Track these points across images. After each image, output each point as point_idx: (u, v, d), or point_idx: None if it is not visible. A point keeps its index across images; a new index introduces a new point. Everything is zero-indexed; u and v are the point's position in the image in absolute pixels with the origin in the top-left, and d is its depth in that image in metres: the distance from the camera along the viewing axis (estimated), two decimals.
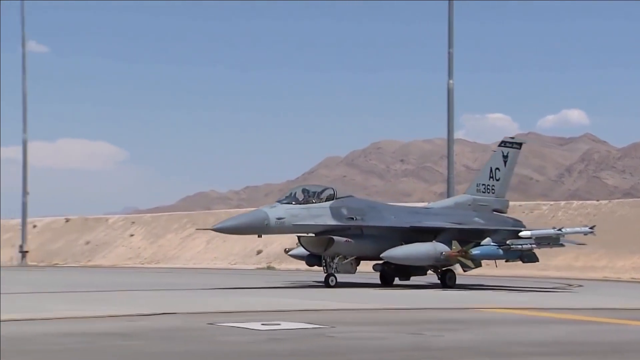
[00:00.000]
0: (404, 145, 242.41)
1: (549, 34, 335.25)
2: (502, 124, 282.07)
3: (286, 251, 31.15)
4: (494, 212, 32.55)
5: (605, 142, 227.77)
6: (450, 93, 46.02)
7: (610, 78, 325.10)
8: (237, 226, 26.50)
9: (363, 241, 27.47)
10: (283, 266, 49.59)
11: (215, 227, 26.86)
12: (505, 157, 33.25)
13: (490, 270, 37.37)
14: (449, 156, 47.13)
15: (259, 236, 27.48)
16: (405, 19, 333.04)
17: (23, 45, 63.63)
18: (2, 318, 14.37)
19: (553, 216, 50.47)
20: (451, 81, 46.05)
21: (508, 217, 33.00)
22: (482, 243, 27.83)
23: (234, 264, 56.47)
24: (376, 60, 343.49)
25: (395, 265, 28.06)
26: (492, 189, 32.71)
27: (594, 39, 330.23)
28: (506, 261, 29.70)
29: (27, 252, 62.64)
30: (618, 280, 39.08)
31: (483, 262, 28.99)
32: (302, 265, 30.82)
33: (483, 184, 32.70)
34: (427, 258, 27.50)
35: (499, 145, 33.76)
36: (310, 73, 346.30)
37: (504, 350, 11.46)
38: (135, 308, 17.30)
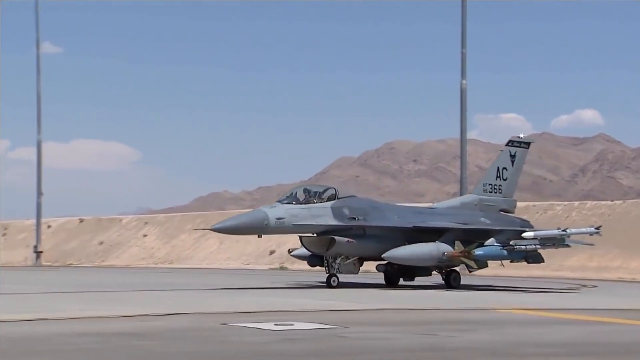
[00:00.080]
0: (417, 145, 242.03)
1: (563, 33, 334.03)
2: (515, 124, 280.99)
3: (290, 251, 30.96)
4: (501, 212, 32.29)
5: (619, 142, 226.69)
6: (463, 93, 45.93)
7: (625, 78, 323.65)
8: (236, 226, 26.34)
9: (365, 241, 27.28)
10: (296, 266, 49.56)
11: (214, 227, 26.63)
12: (512, 156, 32.93)
13: (503, 270, 37.23)
14: (462, 156, 47.03)
15: (258, 236, 27.30)
16: (418, 19, 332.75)
17: (37, 47, 64.09)
18: (16, 318, 14.43)
19: (567, 216, 50.25)
20: (464, 81, 45.96)
21: (515, 217, 32.73)
22: (485, 243, 27.61)
23: (247, 264, 56.55)
24: (389, 61, 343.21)
25: (399, 265, 27.92)
26: (499, 189, 32.42)
27: (608, 38, 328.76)
28: (511, 262, 29.48)
29: (41, 252, 62.97)
30: (632, 281, 38.87)
31: (490, 262, 28.84)
32: None
33: (490, 184, 32.42)
34: (430, 258, 27.32)
35: (507, 145, 33.38)
36: (324, 74, 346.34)
37: (518, 351, 11.41)
38: (148, 308, 17.34)
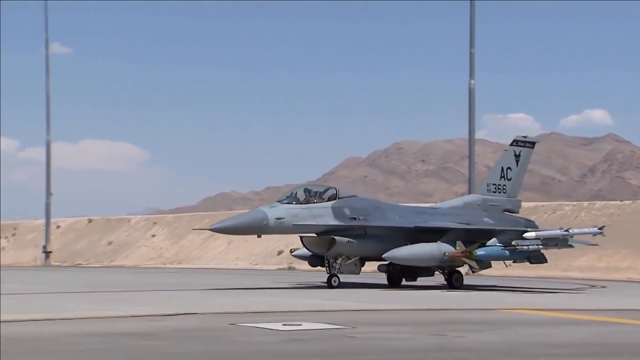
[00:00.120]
0: (425, 145, 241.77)
1: (572, 33, 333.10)
2: (524, 124, 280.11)
3: (291, 251, 30.80)
4: (506, 213, 32.09)
5: (628, 142, 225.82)
6: (471, 93, 45.84)
7: (634, 78, 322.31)
8: (235, 226, 26.18)
9: (366, 241, 27.12)
10: (304, 267, 49.54)
11: (212, 227, 26.50)
12: (517, 156, 32.67)
13: (511, 271, 37.11)
14: (471, 156, 46.93)
15: (258, 236, 27.16)
16: (426, 19, 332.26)
17: (46, 47, 64.22)
18: (24, 318, 14.46)
19: (576, 217, 50.08)
20: (472, 81, 45.87)
21: (520, 218, 32.53)
22: (487, 244, 27.39)
23: (255, 265, 56.57)
24: (397, 61, 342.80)
25: (401, 265, 27.76)
26: (504, 189, 32.21)
27: (617, 39, 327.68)
28: (514, 262, 29.33)
29: (50, 252, 63.17)
30: None
31: (495, 263, 28.69)
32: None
33: (494, 184, 32.21)
34: (431, 258, 27.14)
35: (511, 145, 33.09)
36: (332, 74, 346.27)
37: (527, 352, 11.37)
38: (157, 308, 17.36)
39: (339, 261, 26.87)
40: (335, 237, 26.66)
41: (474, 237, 27.88)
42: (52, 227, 66.29)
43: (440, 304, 20.40)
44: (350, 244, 26.78)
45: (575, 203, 56.09)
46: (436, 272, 28.69)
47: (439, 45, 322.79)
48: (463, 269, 29.07)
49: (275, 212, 26.10)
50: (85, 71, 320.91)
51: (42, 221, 65.94)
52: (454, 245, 27.20)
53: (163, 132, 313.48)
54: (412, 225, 28.13)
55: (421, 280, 29.08)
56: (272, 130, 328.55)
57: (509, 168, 32.58)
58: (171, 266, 60.59)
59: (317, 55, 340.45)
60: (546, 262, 29.02)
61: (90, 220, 77.49)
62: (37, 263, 64.73)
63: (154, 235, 69.61)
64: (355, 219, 27.27)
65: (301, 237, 27.70)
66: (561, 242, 27.81)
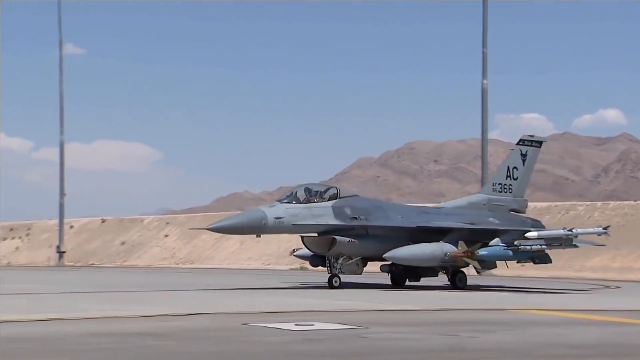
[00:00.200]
0: (437, 145, 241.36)
1: (585, 33, 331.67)
2: (537, 124, 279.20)
3: (293, 251, 30.55)
4: (512, 212, 31.79)
5: None
6: (484, 93, 45.76)
7: None
8: (233, 226, 25.93)
9: (367, 241, 26.90)
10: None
11: (211, 226, 26.24)
12: (523, 155, 32.29)
13: (523, 271, 37.00)
14: (483, 156, 46.84)
15: (257, 236, 26.99)
16: (438, 19, 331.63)
17: (60, 48, 64.57)
18: (36, 318, 14.51)
19: (589, 217, 49.87)
20: (485, 81, 45.78)
21: (527, 218, 32.20)
22: (490, 244, 27.12)
23: (268, 265, 56.62)
24: (410, 61, 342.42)
25: (404, 266, 27.55)
26: (510, 189, 31.88)
27: (630, 38, 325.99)
28: (517, 262, 29.06)
29: (64, 252, 63.42)
30: None
31: (500, 263, 28.45)
32: None
33: (499, 183, 31.88)
34: (433, 258, 26.88)
35: (517, 144, 32.73)
36: (344, 74, 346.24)
37: (540, 353, 11.31)
38: (169, 308, 17.38)
39: (340, 261, 26.64)
40: (336, 237, 26.44)
41: (478, 237, 27.59)
42: (66, 227, 66.56)
43: (452, 304, 20.33)
44: (351, 243, 26.55)
45: (588, 203, 55.85)
46: (440, 273, 28.44)
47: (452, 45, 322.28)
48: (468, 270, 28.75)
49: (275, 211, 25.86)
50: (99, 72, 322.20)
51: (56, 221, 66.23)
52: (456, 245, 26.94)
53: (176, 132, 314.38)
54: (414, 225, 27.87)
55: (425, 281, 28.88)
56: (284, 131, 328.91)
57: (515, 167, 32.21)
58: (184, 266, 60.73)
59: (329, 55, 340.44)
60: (550, 262, 28.66)
61: (103, 221, 77.79)
62: (51, 263, 65.02)
63: (166, 235, 69.80)
64: (356, 218, 27.05)
65: (302, 237, 27.51)
66: (565, 242, 27.55)
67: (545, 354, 11.24)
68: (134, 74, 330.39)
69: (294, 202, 26.40)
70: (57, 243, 64.04)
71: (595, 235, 28.80)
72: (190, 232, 68.34)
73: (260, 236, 27.27)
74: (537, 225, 31.03)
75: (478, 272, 29.34)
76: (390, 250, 26.56)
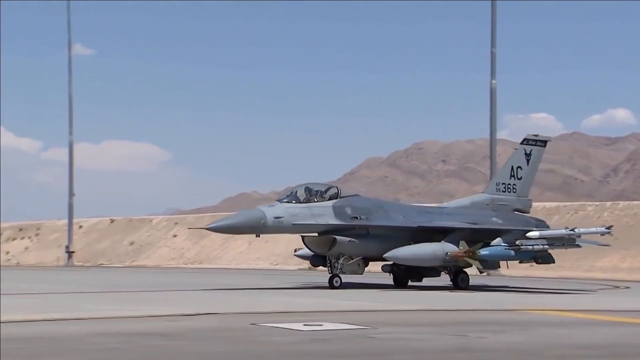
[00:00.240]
0: (446, 145, 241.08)
1: (594, 33, 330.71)
2: (546, 124, 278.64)
3: (295, 251, 30.38)
4: (516, 212, 31.55)
5: None
6: (493, 93, 45.65)
7: None
8: (232, 225, 25.72)
9: (368, 241, 26.71)
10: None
11: (209, 226, 26.07)
12: (528, 155, 32.02)
13: (533, 271, 36.88)
14: (492, 156, 46.74)
15: (256, 235, 26.83)
16: (447, 19, 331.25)
17: (69, 49, 64.73)
18: (43, 318, 14.53)
19: (599, 217, 49.69)
20: (494, 81, 45.67)
21: (531, 218, 31.90)
22: (492, 243, 26.88)
23: (276, 265, 56.62)
24: (418, 61, 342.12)
25: (406, 266, 27.39)
26: (514, 188, 31.62)
27: (639, 39, 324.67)
28: (520, 262, 28.87)
29: (73, 252, 63.60)
30: None
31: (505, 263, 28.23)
32: None
33: (503, 183, 31.61)
34: (433, 258, 26.66)
35: (521, 143, 32.47)
36: (352, 74, 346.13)
37: (550, 353, 11.27)
38: (177, 308, 17.39)
39: (341, 261, 26.47)
40: (337, 237, 26.25)
41: (480, 237, 27.35)
42: (75, 227, 66.72)
43: (460, 305, 20.27)
44: (351, 243, 26.37)
45: (598, 203, 55.68)
46: (443, 273, 28.20)
47: (461, 45, 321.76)
48: (474, 270, 28.53)
49: (274, 211, 25.65)
50: (108, 72, 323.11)
51: (65, 221, 66.43)
52: (458, 245, 26.72)
53: (184, 132, 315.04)
54: (415, 225, 27.66)
55: (427, 281, 28.73)
56: (293, 131, 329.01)
57: (519, 167, 31.94)
58: (192, 266, 60.80)
59: (338, 56, 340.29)
60: (554, 262, 28.42)
61: (112, 221, 77.97)
62: (60, 263, 65.20)
63: (175, 236, 69.90)
64: (357, 218, 26.86)
65: (303, 237, 27.36)
66: (567, 242, 27.29)
67: (555, 354, 11.20)
68: (142, 74, 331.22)
69: (293, 201, 26.19)
70: (66, 243, 64.22)
71: (599, 235, 28.56)
72: (199, 232, 68.41)
73: (259, 236, 27.09)
74: (542, 225, 30.73)
75: (481, 272, 29.12)
76: (391, 250, 26.40)
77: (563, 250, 29.15)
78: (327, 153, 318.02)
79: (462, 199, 33.63)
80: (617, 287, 31.85)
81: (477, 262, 26.87)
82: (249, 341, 12.05)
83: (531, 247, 26.82)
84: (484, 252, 26.63)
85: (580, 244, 28.08)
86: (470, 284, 28.05)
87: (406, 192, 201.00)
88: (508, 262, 28.47)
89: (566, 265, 43.48)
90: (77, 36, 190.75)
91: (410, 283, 28.47)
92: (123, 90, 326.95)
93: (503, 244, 26.87)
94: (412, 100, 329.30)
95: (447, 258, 26.63)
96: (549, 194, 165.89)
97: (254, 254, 60.89)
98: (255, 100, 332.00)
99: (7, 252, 76.06)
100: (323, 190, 27.14)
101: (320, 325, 13.83)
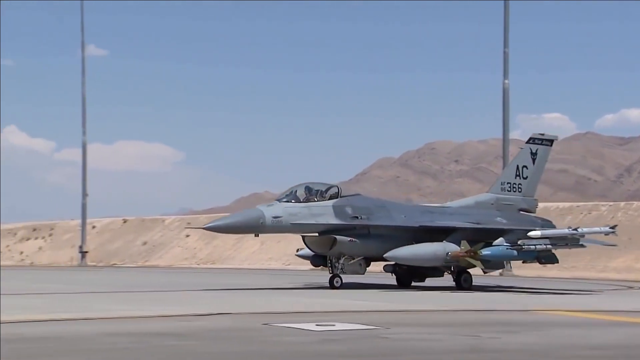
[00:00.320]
0: (458, 145, 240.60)
1: (607, 32, 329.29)
2: (559, 124, 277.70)
3: (297, 251, 30.14)
4: (521, 212, 31.26)
5: None
6: (505, 93, 45.50)
7: None
8: (230, 225, 25.53)
9: (369, 241, 26.49)
10: None
11: (207, 225, 25.89)
12: (534, 154, 31.72)
13: (545, 271, 36.72)
14: (504, 157, 46.50)
15: (255, 235, 26.67)
16: (460, 19, 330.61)
17: (82, 49, 64.98)
18: (52, 317, 14.58)
19: (612, 217, 49.43)
20: (507, 81, 45.51)
21: (537, 218, 31.58)
22: (494, 243, 26.58)
23: (288, 265, 56.62)
24: (431, 61, 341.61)
25: (408, 266, 27.19)
26: (519, 188, 31.34)
27: None
28: (523, 262, 28.58)
29: (86, 252, 63.88)
30: None
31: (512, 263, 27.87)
32: None
33: (508, 183, 31.31)
34: (435, 258, 26.41)
35: (527, 142, 32.19)
36: (364, 74, 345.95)
37: (563, 354, 11.22)
38: (189, 308, 17.41)
39: (341, 261, 26.28)
40: (337, 237, 26.06)
41: (483, 237, 27.03)
42: (88, 227, 67.02)
43: (472, 305, 20.20)
44: (352, 243, 26.16)
45: (611, 203, 55.41)
46: (446, 273, 27.95)
47: (473, 45, 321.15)
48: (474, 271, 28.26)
49: (273, 210, 25.46)
50: (121, 73, 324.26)
51: (78, 221, 66.71)
52: (459, 244, 26.47)
53: (197, 133, 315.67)
54: (417, 225, 27.40)
55: (430, 281, 28.52)
56: (305, 131, 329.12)
57: (524, 166, 31.61)
58: (204, 266, 60.91)
59: (351, 56, 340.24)
60: (557, 262, 27.97)
61: (125, 221, 78.22)
62: (74, 263, 65.49)
63: (187, 236, 70.03)
64: (357, 218, 26.65)
65: (303, 237, 27.22)
66: (571, 241, 27.00)
67: (569, 355, 11.15)
68: (155, 75, 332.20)
69: (293, 201, 25.96)
70: (79, 243, 64.50)
71: (604, 235, 28.22)
72: (211, 232, 68.48)
73: (258, 235, 26.93)
74: (548, 225, 30.37)
75: (485, 272, 28.94)
76: (392, 249, 26.16)
77: (576, 250, 28.94)
78: (339, 153, 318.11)
79: (466, 199, 33.35)
80: (631, 287, 31.68)
81: (479, 262, 26.59)
82: (261, 341, 12.05)
83: (533, 246, 26.48)
84: (485, 252, 26.37)
85: (584, 243, 27.80)
86: (477, 284, 27.88)
87: (418, 193, 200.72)
88: (510, 262, 28.10)
89: (580, 265, 43.29)
90: (90, 37, 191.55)
91: (412, 283, 28.31)
92: (136, 91, 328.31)
93: (505, 244, 26.58)
94: (424, 100, 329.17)
95: (448, 258, 26.39)
96: (562, 194, 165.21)
97: (267, 254, 60.94)
98: (269, 101, 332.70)
99: (21, 252, 76.51)
100: (323, 189, 26.92)
101: (333, 325, 13.82)
